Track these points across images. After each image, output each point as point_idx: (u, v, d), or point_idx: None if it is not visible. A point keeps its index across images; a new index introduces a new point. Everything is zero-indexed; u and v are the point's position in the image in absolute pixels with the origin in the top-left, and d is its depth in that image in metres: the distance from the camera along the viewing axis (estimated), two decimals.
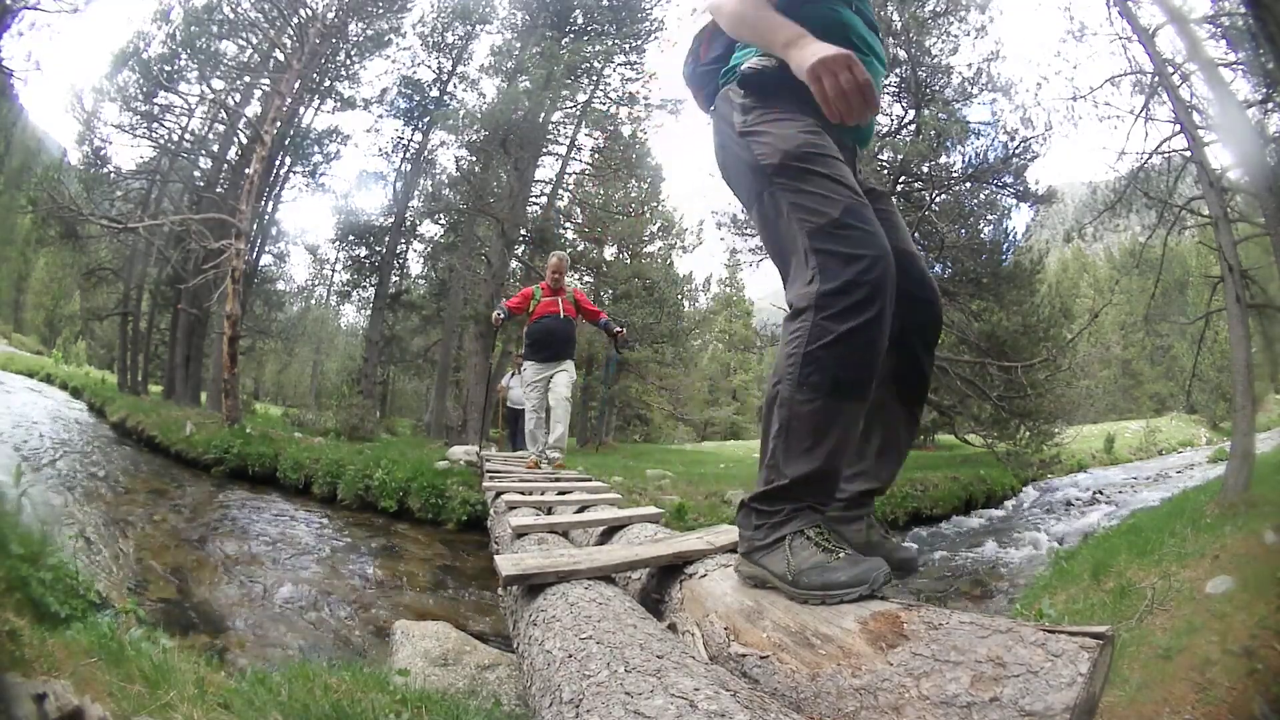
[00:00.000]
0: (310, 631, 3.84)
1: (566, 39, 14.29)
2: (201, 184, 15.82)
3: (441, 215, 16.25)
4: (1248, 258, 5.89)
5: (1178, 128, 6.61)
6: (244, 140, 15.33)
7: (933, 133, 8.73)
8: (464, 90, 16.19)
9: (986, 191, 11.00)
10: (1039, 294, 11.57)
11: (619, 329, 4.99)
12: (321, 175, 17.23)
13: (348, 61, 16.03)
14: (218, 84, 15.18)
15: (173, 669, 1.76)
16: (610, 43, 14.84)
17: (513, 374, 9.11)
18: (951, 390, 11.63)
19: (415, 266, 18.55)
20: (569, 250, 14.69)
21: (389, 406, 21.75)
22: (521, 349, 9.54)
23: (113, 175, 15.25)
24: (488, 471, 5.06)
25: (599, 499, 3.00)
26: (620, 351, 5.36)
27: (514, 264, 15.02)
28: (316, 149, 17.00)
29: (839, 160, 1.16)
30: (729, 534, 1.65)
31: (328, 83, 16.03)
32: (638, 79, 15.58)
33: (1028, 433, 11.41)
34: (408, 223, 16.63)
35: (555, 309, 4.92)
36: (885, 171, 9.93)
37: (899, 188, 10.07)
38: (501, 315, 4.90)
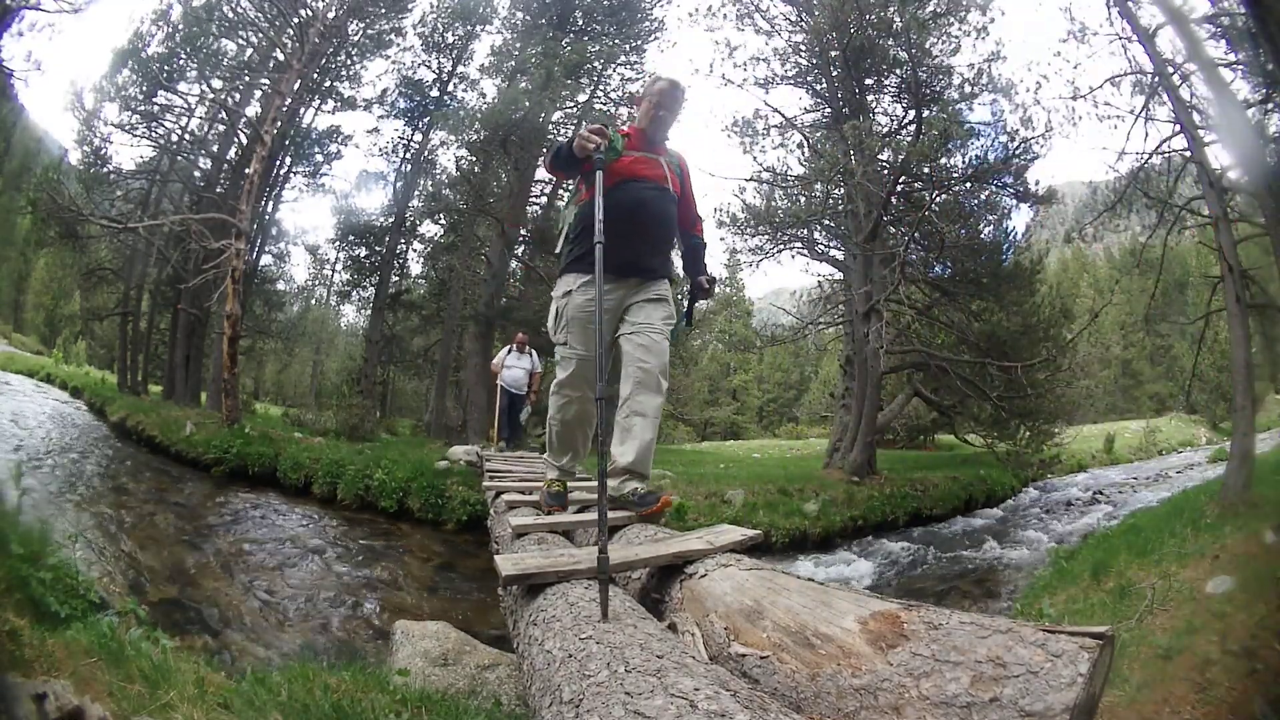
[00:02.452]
0: (310, 631, 3.84)
1: (567, 39, 14.29)
2: (201, 184, 15.81)
3: (441, 215, 16.25)
4: (1248, 258, 5.89)
5: (1178, 128, 6.61)
6: (244, 140, 15.31)
7: (935, 133, 8.72)
8: (464, 90, 16.22)
9: (987, 192, 10.99)
10: (1039, 294, 11.56)
11: (709, 276, 2.70)
12: (322, 175, 17.24)
13: (348, 61, 16.02)
14: (218, 84, 15.16)
15: (173, 669, 1.76)
16: (610, 43, 14.84)
17: (509, 350, 8.36)
18: (951, 390, 11.63)
19: (415, 266, 18.56)
20: None
21: (389, 406, 21.73)
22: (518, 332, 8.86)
23: (113, 175, 15.22)
24: (488, 471, 5.05)
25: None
26: (692, 320, 2.86)
27: (514, 264, 15.02)
28: (317, 149, 16.99)
29: None
30: (729, 534, 1.65)
31: (328, 83, 16.03)
32: (638, 79, 15.57)
33: (1028, 433, 11.41)
34: (408, 223, 16.62)
35: (653, 172, 2.43)
36: (885, 172, 9.93)
37: (899, 188, 10.06)
38: (564, 150, 2.25)
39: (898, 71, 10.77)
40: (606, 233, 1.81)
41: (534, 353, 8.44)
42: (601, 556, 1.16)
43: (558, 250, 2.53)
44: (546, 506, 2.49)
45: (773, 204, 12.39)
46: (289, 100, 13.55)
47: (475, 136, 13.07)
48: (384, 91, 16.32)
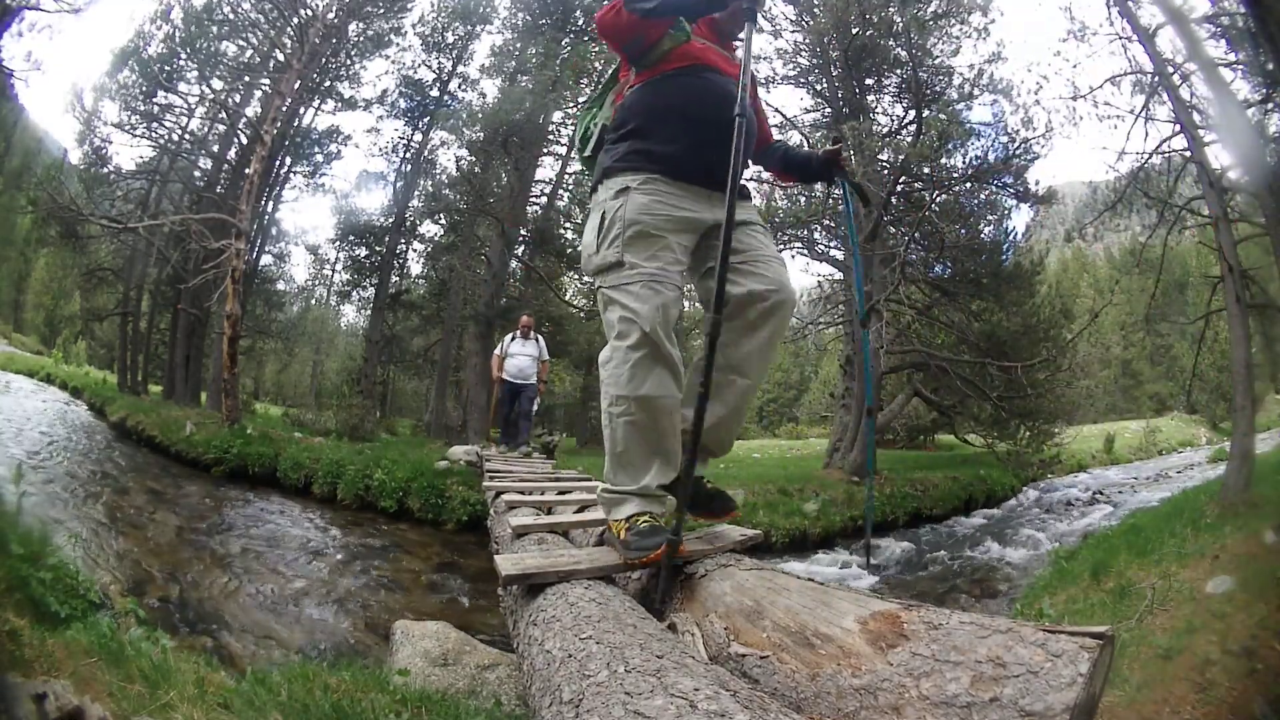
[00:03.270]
0: (310, 631, 3.84)
1: (567, 39, 14.28)
2: (201, 184, 15.81)
3: (441, 215, 16.23)
4: (1248, 258, 5.89)
5: (1178, 128, 6.61)
6: (244, 140, 15.32)
7: (934, 133, 8.73)
8: (464, 90, 16.21)
9: (987, 192, 11.00)
10: (1039, 294, 11.56)
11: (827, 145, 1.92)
12: (322, 175, 17.26)
13: (348, 61, 16.03)
14: (218, 84, 15.18)
15: (173, 669, 1.76)
16: None
17: (513, 337, 7.46)
18: (951, 390, 11.63)
19: (415, 266, 18.56)
20: (568, 250, 14.57)
21: (389, 406, 21.72)
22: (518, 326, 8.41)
23: (113, 175, 15.23)
24: (488, 471, 5.06)
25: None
26: (856, 189, 1.92)
27: (514, 264, 15.01)
28: (317, 149, 17.01)
29: None
30: (729, 534, 1.65)
31: (328, 83, 16.03)
32: None
33: (1028, 433, 11.41)
34: (408, 223, 16.62)
35: (731, 67, 1.71)
36: (885, 172, 9.93)
37: (899, 188, 10.06)
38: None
39: (898, 72, 10.77)
40: (686, 130, 1.47)
41: (541, 339, 7.69)
42: (673, 538, 1.14)
43: (586, 154, 1.88)
44: (629, 557, 1.42)
45: (773, 204, 12.40)
46: (289, 100, 13.56)
47: (475, 136, 13.06)
48: (384, 91, 16.34)
